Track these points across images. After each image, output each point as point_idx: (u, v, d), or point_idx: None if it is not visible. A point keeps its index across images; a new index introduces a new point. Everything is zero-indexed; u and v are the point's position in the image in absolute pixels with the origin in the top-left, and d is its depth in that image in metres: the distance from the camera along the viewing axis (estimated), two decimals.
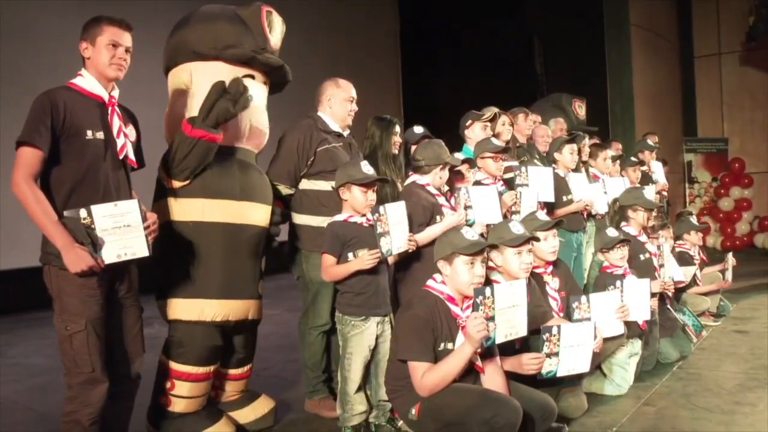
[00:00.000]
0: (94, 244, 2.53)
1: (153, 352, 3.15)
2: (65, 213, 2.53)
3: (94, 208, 2.54)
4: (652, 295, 4.10)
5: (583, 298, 3.58)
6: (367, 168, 3.29)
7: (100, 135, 2.66)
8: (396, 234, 3.20)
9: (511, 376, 3.01)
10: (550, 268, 3.67)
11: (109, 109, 2.73)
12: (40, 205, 2.50)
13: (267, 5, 3.32)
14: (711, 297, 5.86)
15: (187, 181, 3.06)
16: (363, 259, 3.16)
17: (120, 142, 2.74)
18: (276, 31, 3.36)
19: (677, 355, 4.55)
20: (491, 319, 2.72)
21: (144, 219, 2.63)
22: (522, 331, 2.86)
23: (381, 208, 3.16)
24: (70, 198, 2.59)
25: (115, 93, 2.78)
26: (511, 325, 2.80)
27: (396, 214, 3.20)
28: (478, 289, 2.75)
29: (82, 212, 2.52)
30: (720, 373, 4.21)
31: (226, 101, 2.98)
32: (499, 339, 2.78)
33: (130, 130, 2.84)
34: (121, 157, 2.75)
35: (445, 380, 2.77)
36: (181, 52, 3.23)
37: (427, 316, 2.84)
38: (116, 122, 2.74)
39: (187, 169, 3.02)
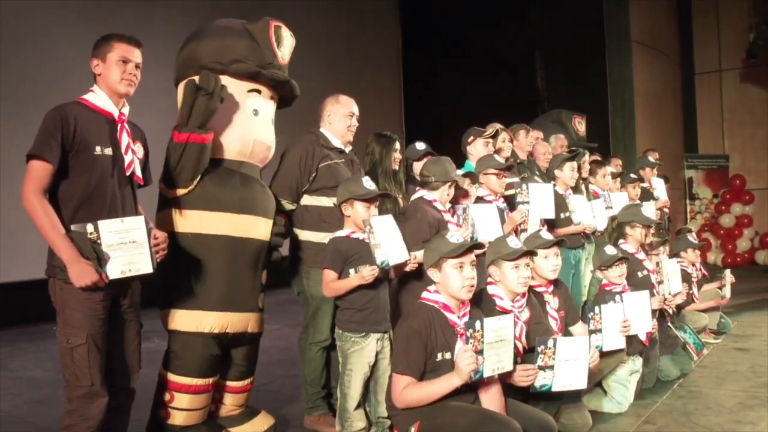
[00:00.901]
0: (99, 259, 2.55)
1: (152, 366, 3.15)
2: (72, 227, 2.56)
3: (101, 223, 2.57)
4: (652, 311, 4.11)
5: (597, 308, 3.61)
6: (368, 183, 3.31)
7: (109, 151, 2.70)
8: (389, 245, 3.18)
9: (506, 388, 3.00)
10: (551, 287, 3.68)
11: (119, 125, 2.77)
12: (49, 219, 2.53)
13: (276, 20, 3.34)
14: (710, 314, 5.86)
15: (187, 190, 3.07)
16: (362, 274, 3.17)
17: (128, 158, 2.77)
18: (284, 45, 3.38)
19: (678, 372, 4.54)
20: (480, 352, 2.73)
21: (150, 236, 2.65)
22: (508, 366, 2.86)
23: (369, 222, 3.17)
24: (77, 212, 2.62)
25: (126, 110, 2.82)
26: (499, 359, 2.81)
27: (383, 226, 3.18)
28: (468, 322, 2.77)
29: (89, 227, 2.56)
30: (721, 391, 4.20)
31: (203, 98, 2.98)
32: (487, 373, 2.78)
33: (138, 147, 2.87)
34: (128, 174, 2.78)
35: (424, 401, 2.78)
36: (190, 66, 3.25)
37: (420, 328, 2.84)
38: (125, 139, 2.77)
39: (183, 174, 3.03)
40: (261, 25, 3.30)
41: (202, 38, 3.29)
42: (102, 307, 2.62)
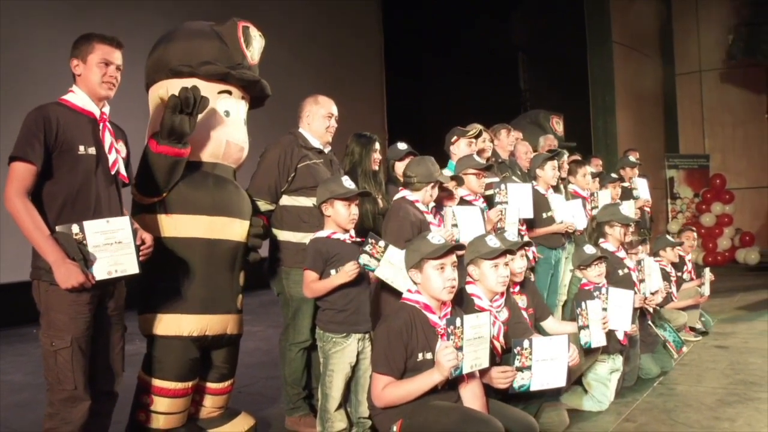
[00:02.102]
0: (85, 260, 2.53)
1: (134, 369, 3.13)
2: (57, 228, 2.53)
3: (86, 224, 2.55)
4: (633, 311, 4.14)
5: (583, 304, 3.65)
6: (348, 182, 3.31)
7: (92, 150, 2.68)
8: (391, 272, 3.18)
9: (486, 389, 3.01)
10: (518, 288, 3.71)
11: (101, 125, 2.75)
12: (33, 220, 2.50)
13: (244, 20, 3.34)
14: (690, 312, 5.91)
15: (158, 197, 3.06)
16: (345, 271, 3.16)
17: (111, 157, 2.75)
18: (253, 46, 3.38)
19: (658, 370, 4.58)
20: (460, 348, 2.73)
21: (135, 236, 2.64)
22: (485, 363, 2.86)
23: (382, 243, 3.17)
24: (62, 213, 2.60)
25: (106, 109, 2.79)
26: (477, 356, 2.81)
27: (395, 258, 3.17)
28: (449, 319, 2.77)
29: (74, 228, 2.53)
30: (700, 389, 4.24)
31: (185, 116, 2.93)
32: (466, 369, 2.78)
33: (121, 146, 2.85)
34: (113, 173, 2.76)
35: (404, 399, 2.78)
36: (159, 70, 3.25)
37: (400, 328, 2.83)
38: (108, 138, 2.75)
39: (158, 184, 3.01)
40: (229, 26, 3.31)
41: (170, 42, 3.29)
42: (88, 309, 2.59)
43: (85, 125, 2.69)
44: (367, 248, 3.15)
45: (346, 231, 3.32)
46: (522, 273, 3.68)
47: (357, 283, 3.25)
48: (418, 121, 12.92)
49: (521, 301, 3.68)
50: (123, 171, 2.82)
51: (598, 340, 3.71)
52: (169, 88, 3.15)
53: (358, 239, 3.30)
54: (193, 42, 3.25)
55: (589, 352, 3.73)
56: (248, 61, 3.35)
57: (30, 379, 4.93)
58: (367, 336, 3.32)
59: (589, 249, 4.17)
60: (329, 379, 3.24)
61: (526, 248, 3.81)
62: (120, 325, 2.83)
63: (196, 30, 3.31)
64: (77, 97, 2.72)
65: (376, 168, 3.85)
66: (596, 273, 4.11)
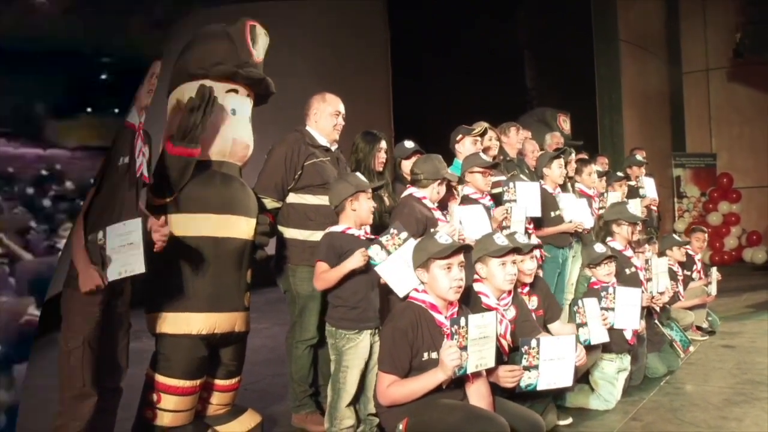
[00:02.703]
0: (102, 263, 2.60)
1: (141, 366, 3.14)
2: (89, 238, 2.64)
3: (108, 229, 2.63)
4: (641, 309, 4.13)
5: (580, 302, 3.66)
6: (362, 177, 3.38)
7: (126, 159, 2.76)
8: (396, 267, 3.17)
9: (493, 387, 3.00)
10: (527, 288, 3.71)
11: (137, 134, 2.80)
12: (76, 235, 2.66)
13: (252, 20, 3.38)
14: (697, 311, 5.89)
15: (170, 198, 3.09)
16: (360, 253, 3.15)
17: (138, 161, 2.81)
18: (259, 43, 3.41)
19: (665, 370, 4.56)
20: (464, 348, 2.73)
21: (144, 235, 2.68)
22: (490, 363, 2.86)
23: (404, 234, 3.15)
24: (97, 221, 2.68)
25: (143, 118, 2.85)
26: (482, 356, 2.80)
27: (408, 248, 3.15)
28: (454, 319, 2.77)
29: (100, 234, 2.62)
30: (707, 388, 4.23)
31: (199, 113, 2.99)
32: (470, 369, 2.78)
33: (146, 149, 2.90)
34: (138, 175, 2.81)
35: (409, 397, 2.79)
36: (180, 76, 3.31)
37: (405, 327, 2.84)
38: (138, 145, 2.81)
39: (169, 186, 3.05)
40: (238, 26, 3.35)
41: (189, 48, 3.36)
42: (99, 309, 2.65)
43: (128, 136, 2.78)
44: (384, 239, 3.14)
45: (362, 226, 3.34)
46: (532, 274, 3.68)
47: (366, 279, 3.25)
48: (423, 120, 12.89)
49: (531, 302, 3.67)
50: (146, 173, 2.89)
51: (599, 337, 3.70)
52: (185, 91, 3.21)
53: (372, 236, 3.30)
54: (208, 45, 3.32)
55: (589, 351, 3.72)
56: (254, 59, 3.38)
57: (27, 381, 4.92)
58: (377, 332, 3.32)
59: (600, 247, 4.16)
60: (343, 375, 3.24)
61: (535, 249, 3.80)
62: (125, 323, 2.87)
63: (210, 33, 3.37)
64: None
65: (381, 168, 3.87)
66: (606, 272, 4.10)
